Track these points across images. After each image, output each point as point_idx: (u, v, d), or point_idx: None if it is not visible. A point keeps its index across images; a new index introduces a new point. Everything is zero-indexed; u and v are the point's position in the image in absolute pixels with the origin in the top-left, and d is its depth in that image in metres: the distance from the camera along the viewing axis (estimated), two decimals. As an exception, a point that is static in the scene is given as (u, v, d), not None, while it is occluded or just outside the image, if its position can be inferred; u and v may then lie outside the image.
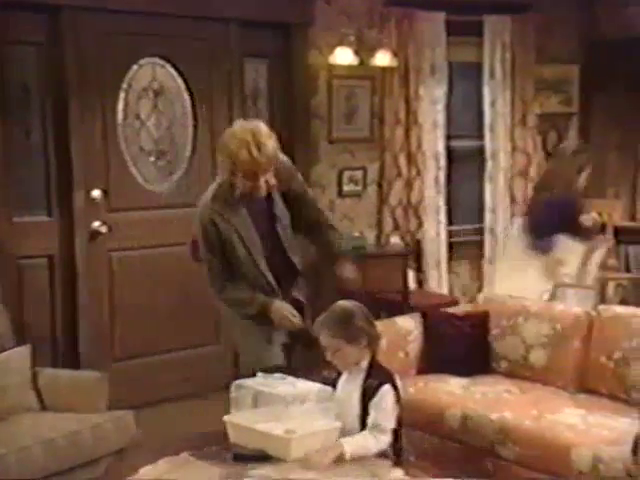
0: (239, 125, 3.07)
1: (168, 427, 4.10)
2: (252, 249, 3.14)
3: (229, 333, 3.67)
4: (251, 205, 3.12)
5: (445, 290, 5.88)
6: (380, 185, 5.71)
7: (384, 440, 2.52)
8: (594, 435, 3.00)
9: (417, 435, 3.31)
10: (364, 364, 2.62)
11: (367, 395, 2.56)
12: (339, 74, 5.45)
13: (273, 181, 3.06)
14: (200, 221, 3.15)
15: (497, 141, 6.06)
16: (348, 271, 3.36)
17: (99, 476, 3.29)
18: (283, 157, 3.28)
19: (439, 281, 5.88)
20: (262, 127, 3.03)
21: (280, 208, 3.21)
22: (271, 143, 3.01)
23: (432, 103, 5.80)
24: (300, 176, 3.40)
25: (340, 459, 2.46)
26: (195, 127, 4.99)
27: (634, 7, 6.07)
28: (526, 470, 3.10)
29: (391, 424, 2.54)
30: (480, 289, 5.90)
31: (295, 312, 3.22)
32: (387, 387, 2.56)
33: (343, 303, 2.70)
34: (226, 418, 2.66)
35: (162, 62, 4.86)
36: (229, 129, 3.09)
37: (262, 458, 2.49)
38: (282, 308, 3.20)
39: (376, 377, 2.59)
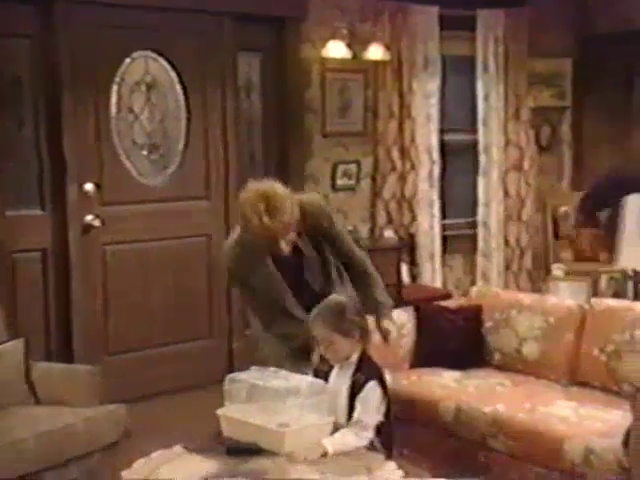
0: (252, 188, 2.89)
1: (161, 421, 4.11)
2: (280, 296, 3.01)
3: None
4: (276, 254, 2.97)
5: (439, 283, 5.90)
6: (374, 179, 5.71)
7: (365, 436, 2.54)
8: (586, 427, 3.01)
9: (410, 428, 3.32)
10: (354, 358, 2.64)
11: (355, 389, 2.58)
12: (332, 67, 5.44)
13: (294, 237, 2.92)
14: (227, 265, 3.08)
15: (490, 135, 6.07)
16: (387, 323, 3.10)
17: (92, 469, 3.30)
18: (313, 201, 3.12)
19: (433, 275, 5.90)
20: (277, 189, 2.87)
21: (309, 255, 3.03)
22: (287, 205, 2.83)
23: (425, 97, 5.80)
24: (336, 221, 3.16)
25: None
26: (188, 120, 4.99)
27: (627, 1, 6.08)
28: (519, 462, 3.12)
29: (374, 420, 2.56)
30: (474, 282, 5.92)
31: None
32: (373, 383, 2.58)
33: (337, 297, 2.71)
34: (220, 411, 2.66)
35: (155, 55, 4.84)
36: (244, 192, 2.92)
37: (256, 451, 2.50)
38: None
39: (364, 372, 2.61)
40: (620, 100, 6.37)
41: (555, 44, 6.33)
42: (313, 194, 3.61)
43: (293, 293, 3.01)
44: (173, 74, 4.92)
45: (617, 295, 4.81)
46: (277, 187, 2.88)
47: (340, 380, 2.65)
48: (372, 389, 2.57)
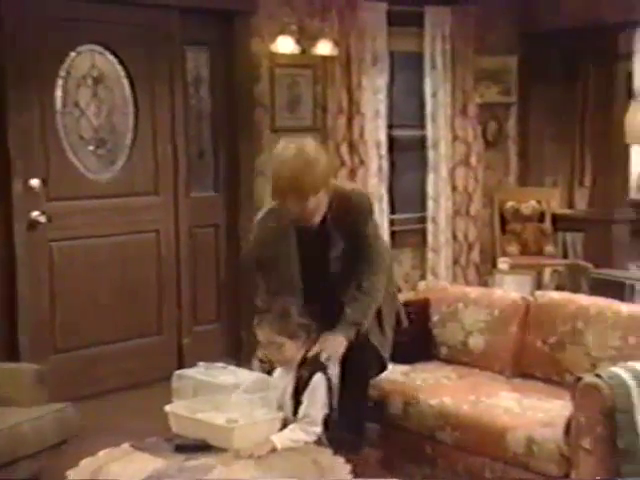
0: (287, 161, 2.79)
1: (111, 419, 4.08)
2: (286, 287, 2.91)
3: None
4: (303, 235, 2.89)
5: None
6: (323, 174, 5.72)
7: (314, 431, 2.57)
8: (529, 418, 3.08)
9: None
10: (299, 358, 2.66)
11: (300, 386, 2.60)
12: (281, 63, 5.44)
13: (312, 206, 2.78)
14: (253, 237, 3.15)
15: (438, 131, 6.14)
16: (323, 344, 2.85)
17: (40, 469, 3.26)
18: (358, 194, 3.06)
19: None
20: (309, 171, 2.75)
21: (338, 247, 2.92)
22: (315, 193, 2.76)
23: (374, 93, 5.84)
24: (371, 225, 3.07)
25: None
26: (136, 115, 4.94)
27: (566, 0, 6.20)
28: (465, 454, 3.17)
29: (321, 414, 2.59)
30: (423, 277, 5.98)
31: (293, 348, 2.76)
32: (318, 376, 2.61)
33: (283, 300, 2.73)
34: (168, 408, 2.66)
35: (101, 49, 4.79)
36: (278, 160, 2.85)
37: (204, 448, 2.51)
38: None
39: (309, 367, 2.63)
40: (564, 96, 6.50)
41: (501, 41, 6.42)
42: (359, 188, 3.55)
43: (313, 275, 2.87)
44: (120, 68, 4.87)
45: (560, 288, 4.92)
46: (311, 167, 2.74)
47: (285, 377, 2.67)
48: (318, 382, 2.60)
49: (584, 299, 3.66)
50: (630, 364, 2.95)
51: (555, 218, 6.01)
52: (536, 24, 6.43)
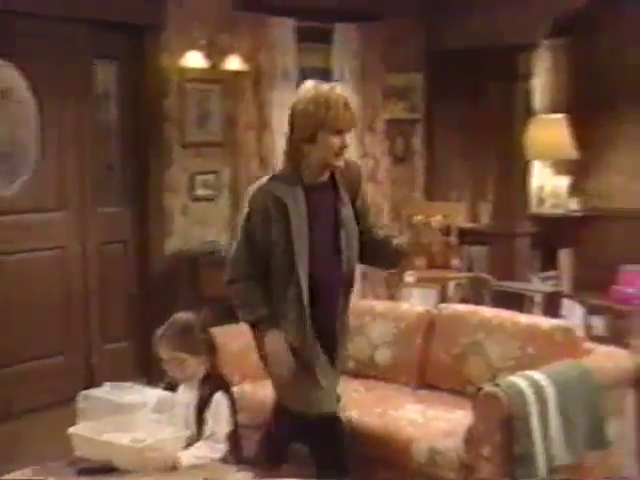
0: (312, 86, 2.70)
1: (14, 443, 3.97)
2: (296, 244, 2.65)
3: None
4: (313, 196, 2.70)
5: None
6: (233, 189, 5.74)
7: (219, 448, 2.58)
8: (432, 428, 3.17)
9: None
10: (201, 374, 2.67)
11: (202, 404, 2.62)
12: (191, 78, 5.44)
13: (347, 143, 2.71)
14: (251, 203, 2.74)
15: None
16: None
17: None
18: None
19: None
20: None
21: (347, 213, 2.77)
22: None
23: (284, 108, 5.87)
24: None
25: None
26: (42, 129, 4.85)
27: (474, 20, 6.41)
28: (372, 466, 3.22)
29: (225, 430, 2.61)
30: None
31: (291, 360, 2.73)
32: (219, 395, 2.63)
33: (183, 315, 2.74)
34: (71, 430, 2.62)
35: (5, 62, 4.68)
36: (298, 97, 2.71)
37: (109, 470, 2.48)
38: (280, 343, 2.70)
39: (210, 385, 2.64)
40: (468, 113, 6.70)
41: (408, 59, 6.59)
42: None
43: (315, 249, 2.69)
44: (25, 81, 4.77)
45: (464, 300, 5.06)
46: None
47: (187, 395, 2.68)
48: (219, 401, 2.62)
49: (486, 311, 3.78)
50: (528, 373, 3.07)
51: (460, 232, 6.18)
52: (442, 42, 6.63)
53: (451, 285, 5.12)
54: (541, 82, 6.54)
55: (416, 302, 4.70)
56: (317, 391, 2.76)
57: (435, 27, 6.68)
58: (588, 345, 3.46)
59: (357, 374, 3.83)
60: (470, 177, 6.72)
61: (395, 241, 2.94)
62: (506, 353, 3.44)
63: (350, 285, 2.88)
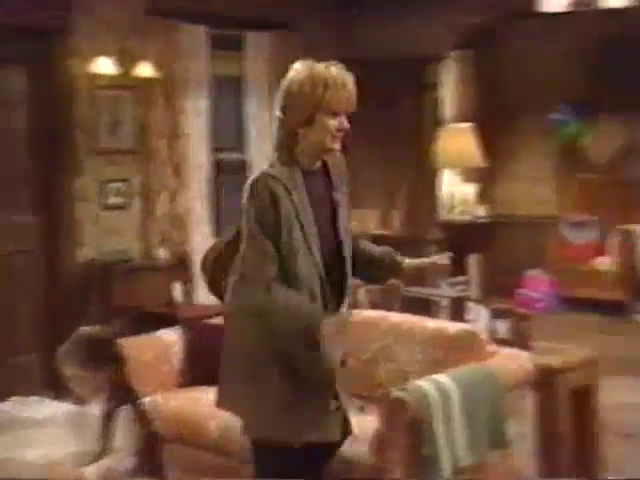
0: (305, 66, 2.46)
1: None
2: (309, 237, 2.40)
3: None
4: (310, 183, 2.47)
5: (214, 301, 5.95)
6: (146, 197, 5.68)
7: (127, 462, 2.56)
8: (342, 434, 3.21)
9: (180, 449, 3.35)
10: (107, 388, 2.64)
11: (109, 417, 2.59)
12: (101, 84, 5.37)
13: (346, 125, 2.46)
14: (256, 193, 2.38)
15: (261, 154, 6.26)
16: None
17: None
18: None
19: (207, 292, 5.95)
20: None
21: (343, 202, 2.53)
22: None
23: (196, 115, 5.88)
24: None
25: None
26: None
27: (386, 32, 6.54)
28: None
29: (133, 444, 2.59)
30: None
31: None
32: (126, 408, 2.61)
33: (87, 329, 2.70)
34: (-27, 447, 2.56)
35: None
36: (291, 78, 2.45)
37: (13, 486, 2.44)
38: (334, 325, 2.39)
39: (117, 399, 2.62)
40: (381, 122, 6.83)
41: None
42: None
43: (322, 224, 2.44)
44: None
45: (375, 306, 5.13)
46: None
47: (97, 407, 2.65)
48: (126, 415, 2.60)
49: (395, 316, 3.85)
50: (434, 376, 3.15)
51: (373, 239, 6.27)
52: (355, 53, 6.73)
53: (361, 291, 5.18)
54: (449, 92, 6.72)
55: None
56: (329, 413, 2.48)
57: (349, 38, 6.78)
58: (492, 348, 3.57)
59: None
60: (382, 185, 6.84)
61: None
62: (414, 357, 3.51)
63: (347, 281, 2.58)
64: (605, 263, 6.56)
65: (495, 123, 6.90)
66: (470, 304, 4.38)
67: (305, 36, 6.39)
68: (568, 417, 3.52)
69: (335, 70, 2.44)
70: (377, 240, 6.27)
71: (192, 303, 5.76)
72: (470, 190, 6.87)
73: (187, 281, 5.85)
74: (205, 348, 3.93)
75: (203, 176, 5.93)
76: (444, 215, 6.65)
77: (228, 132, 6.27)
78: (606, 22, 5.80)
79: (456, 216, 6.77)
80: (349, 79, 2.44)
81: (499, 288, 6.38)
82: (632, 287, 5.44)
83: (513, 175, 6.95)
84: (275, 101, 2.49)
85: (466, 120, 6.69)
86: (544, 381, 3.38)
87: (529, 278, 6.58)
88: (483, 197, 6.90)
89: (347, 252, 2.49)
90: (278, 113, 2.46)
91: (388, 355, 3.59)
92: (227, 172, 6.24)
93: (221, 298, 2.65)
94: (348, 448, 3.04)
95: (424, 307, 5.18)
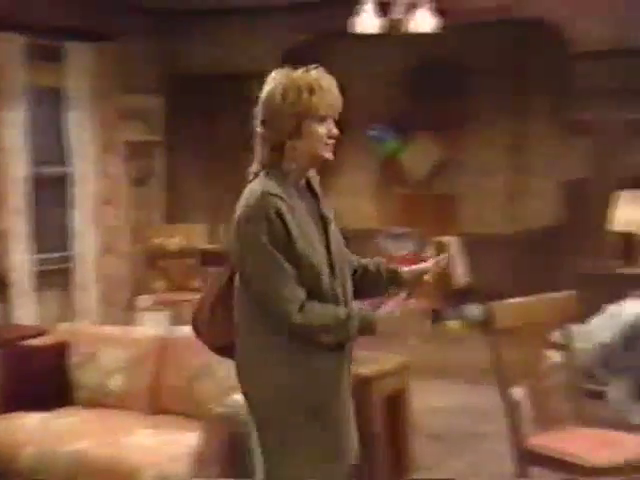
0: (283, 73, 2.29)
1: None
2: (318, 254, 2.25)
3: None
4: (302, 200, 2.31)
5: (34, 321, 5.71)
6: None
7: None
8: (162, 453, 3.17)
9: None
10: None
11: None
12: None
13: (335, 131, 2.30)
14: (262, 214, 2.17)
15: (84, 168, 6.08)
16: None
17: None
18: None
19: (27, 312, 5.70)
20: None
21: (332, 219, 2.37)
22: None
23: (13, 128, 5.62)
24: None
25: None
26: None
27: (214, 47, 6.56)
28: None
29: None
30: (70, 318, 5.84)
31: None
32: None
33: None
34: None
35: None
36: (270, 88, 2.28)
37: None
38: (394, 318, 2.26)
39: None
40: (208, 136, 6.83)
41: (147, 81, 6.58)
42: None
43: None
44: None
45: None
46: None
47: None
48: None
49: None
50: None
51: (202, 254, 6.25)
52: (180, 67, 6.71)
53: (186, 307, 5.15)
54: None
55: (152, 326, 4.68)
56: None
57: (173, 51, 6.74)
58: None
59: (90, 403, 3.73)
60: (208, 199, 6.83)
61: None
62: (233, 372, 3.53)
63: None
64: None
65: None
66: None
67: (128, 49, 6.29)
68: (382, 421, 3.67)
69: (316, 73, 2.29)
70: (207, 255, 6.32)
71: (10, 324, 5.49)
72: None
73: (4, 301, 5.57)
74: (18, 370, 3.77)
75: (21, 191, 5.67)
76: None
77: (48, 145, 6.04)
78: (419, 45, 6.12)
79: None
80: (332, 81, 2.29)
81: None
82: (445, 295, 5.71)
83: (337, 189, 7.14)
84: (255, 117, 2.30)
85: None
86: (360, 388, 3.49)
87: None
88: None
89: (339, 268, 2.30)
90: (259, 129, 2.29)
91: (208, 371, 3.57)
92: (49, 186, 6.01)
93: (226, 349, 2.40)
94: (169, 466, 3.02)
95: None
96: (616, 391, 3.96)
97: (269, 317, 2.20)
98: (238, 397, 3.05)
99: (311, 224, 2.25)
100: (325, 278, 2.22)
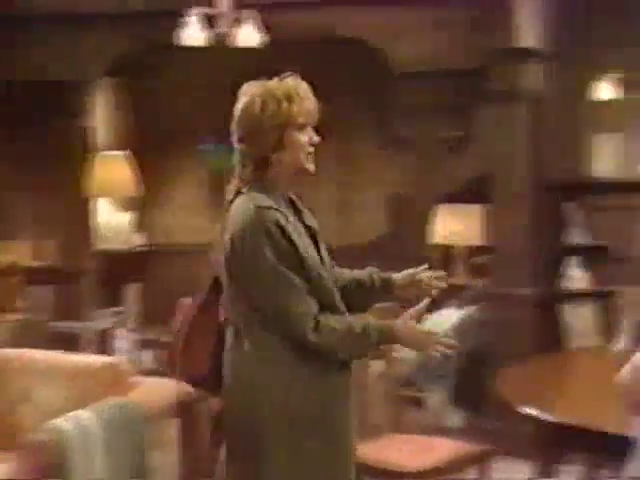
0: (258, 84, 2.25)
1: None
2: (317, 265, 2.17)
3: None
4: (292, 215, 2.26)
5: None
6: None
7: None
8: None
9: None
10: None
11: None
12: None
13: (316, 138, 2.25)
14: (261, 229, 2.10)
15: None
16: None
17: None
18: None
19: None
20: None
21: (320, 237, 2.31)
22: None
23: None
24: None
25: None
26: None
27: (33, 54, 6.27)
28: None
29: None
30: None
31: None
32: None
33: None
34: None
35: None
36: (246, 101, 2.21)
37: None
38: (414, 327, 2.19)
39: None
40: (28, 148, 6.52)
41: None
42: None
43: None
44: None
45: (17, 344, 4.85)
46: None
47: None
48: None
49: (37, 354, 3.66)
50: (75, 413, 3.05)
51: (27, 271, 5.97)
52: (2, 73, 6.38)
53: (1, 328, 4.90)
54: (101, 120, 6.65)
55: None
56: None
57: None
58: (137, 379, 3.57)
59: None
60: (32, 214, 6.54)
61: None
62: (56, 395, 3.39)
63: None
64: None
65: (150, 152, 6.96)
66: (120, 335, 4.35)
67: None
68: (211, 439, 3.64)
69: (291, 81, 2.24)
70: (32, 273, 6.03)
71: None
72: (126, 219, 6.85)
73: None
74: None
75: None
76: (100, 244, 6.54)
77: None
78: (245, 60, 6.16)
79: (113, 245, 6.69)
80: (308, 88, 2.25)
81: (158, 317, 6.43)
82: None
83: (169, 203, 7.07)
84: (232, 134, 2.22)
85: (119, 148, 6.67)
86: (186, 406, 3.46)
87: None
88: (141, 225, 6.92)
89: (333, 280, 2.24)
90: (239, 146, 2.21)
91: (28, 396, 3.42)
92: None
93: (202, 381, 2.30)
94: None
95: (73, 342, 5.02)
96: (434, 397, 4.15)
97: (278, 334, 2.11)
98: (59, 422, 2.95)
99: (305, 236, 2.19)
100: (333, 289, 2.16)
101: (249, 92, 2.22)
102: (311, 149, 2.22)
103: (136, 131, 6.94)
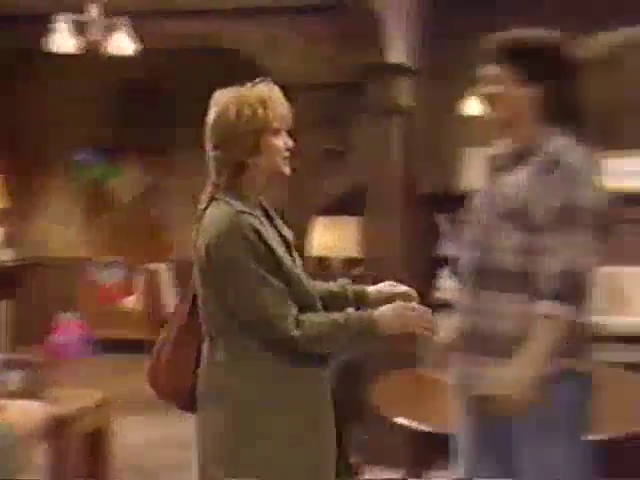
0: (231, 90, 2.20)
1: None
2: (293, 272, 2.15)
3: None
4: (267, 222, 2.24)
5: None
6: None
7: None
8: None
9: None
10: None
11: None
12: None
13: (291, 143, 2.25)
14: (238, 234, 2.09)
15: None
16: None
17: None
18: None
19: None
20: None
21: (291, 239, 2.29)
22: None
23: None
24: None
25: None
26: None
27: None
28: None
29: None
30: None
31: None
32: None
33: None
34: None
35: None
36: (220, 107, 2.17)
37: None
38: (399, 308, 2.20)
39: None
40: None
41: None
42: None
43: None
44: None
45: None
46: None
47: None
48: None
49: None
50: None
51: None
52: None
53: None
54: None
55: None
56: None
57: None
58: (2, 402, 3.42)
59: None
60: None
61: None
62: None
63: None
64: (131, 302, 6.77)
65: (21, 163, 6.71)
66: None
67: None
68: (83, 461, 3.53)
69: (264, 86, 2.22)
70: None
71: None
72: (-5, 233, 6.57)
73: None
74: None
75: None
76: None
77: None
78: (119, 69, 6.04)
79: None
80: (280, 93, 2.24)
81: (30, 335, 6.19)
82: (157, 324, 5.69)
83: (42, 216, 6.83)
84: (206, 142, 2.19)
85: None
86: (56, 429, 3.34)
87: (60, 323, 6.49)
88: (10, 239, 6.65)
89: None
90: (214, 153, 2.18)
91: None
92: None
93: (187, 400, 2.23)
94: None
95: None
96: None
97: (259, 340, 2.11)
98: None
99: (280, 244, 2.18)
100: (313, 291, 2.17)
101: (221, 100, 2.23)
102: (286, 153, 2.26)
103: (4, 140, 6.67)
